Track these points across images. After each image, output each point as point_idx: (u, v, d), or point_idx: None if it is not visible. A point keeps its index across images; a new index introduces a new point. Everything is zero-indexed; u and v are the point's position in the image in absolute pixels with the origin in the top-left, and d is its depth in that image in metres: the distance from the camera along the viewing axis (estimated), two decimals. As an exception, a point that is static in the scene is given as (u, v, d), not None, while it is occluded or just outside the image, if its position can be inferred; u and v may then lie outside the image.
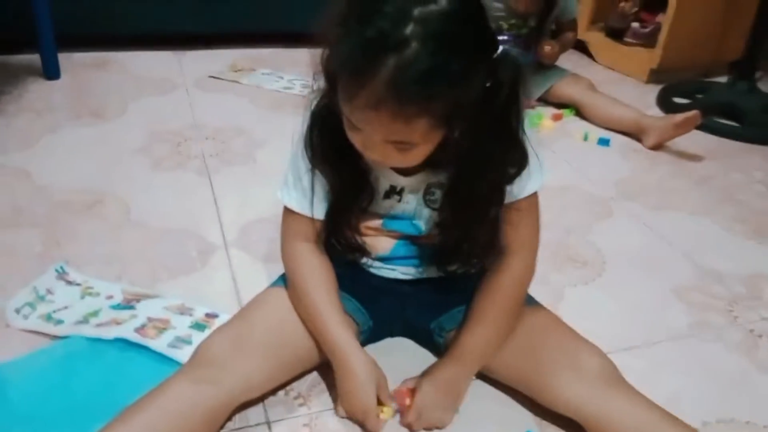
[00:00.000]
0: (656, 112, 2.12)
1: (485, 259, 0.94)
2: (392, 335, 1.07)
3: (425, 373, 0.96)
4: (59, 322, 1.03)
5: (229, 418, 0.88)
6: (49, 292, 1.10)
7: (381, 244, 0.96)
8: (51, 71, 2.01)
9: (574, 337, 0.93)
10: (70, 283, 1.13)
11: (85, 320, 1.03)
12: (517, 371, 0.94)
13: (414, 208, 0.92)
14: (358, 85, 0.69)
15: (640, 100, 2.20)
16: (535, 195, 0.89)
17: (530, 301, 0.99)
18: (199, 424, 0.82)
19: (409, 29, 0.66)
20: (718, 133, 2.02)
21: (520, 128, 0.80)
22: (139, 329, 1.00)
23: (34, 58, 2.06)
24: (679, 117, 1.82)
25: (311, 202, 0.90)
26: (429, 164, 0.84)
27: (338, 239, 0.95)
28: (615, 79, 2.40)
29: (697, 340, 1.14)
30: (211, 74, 2.14)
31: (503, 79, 0.74)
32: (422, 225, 0.93)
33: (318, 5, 0.72)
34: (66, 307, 1.07)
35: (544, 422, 0.93)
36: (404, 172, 0.89)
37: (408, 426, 0.91)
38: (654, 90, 2.28)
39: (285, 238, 0.96)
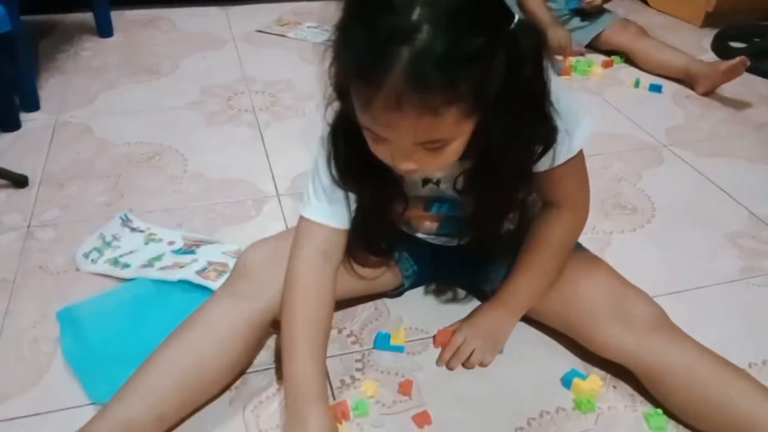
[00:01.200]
0: (711, 57, 2.05)
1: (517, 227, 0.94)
2: (438, 281, 1.10)
3: (468, 317, 0.99)
4: (126, 266, 1.09)
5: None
6: (114, 238, 1.17)
7: (427, 224, 0.97)
8: (104, 29, 2.08)
9: (622, 284, 0.93)
10: (134, 230, 1.19)
11: (149, 264, 1.09)
12: (565, 319, 0.95)
13: (453, 193, 0.90)
14: (374, 87, 0.62)
15: (695, 45, 2.14)
16: (580, 153, 0.85)
17: (578, 247, 1.00)
18: (240, 337, 0.85)
19: (416, 14, 0.60)
20: (777, 78, 1.95)
21: (547, 101, 0.74)
22: (201, 272, 1.05)
23: (87, 17, 2.12)
24: (724, 65, 1.77)
25: (340, 211, 0.85)
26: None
27: (377, 235, 0.94)
28: (669, 24, 2.33)
29: (747, 285, 1.13)
30: (258, 28, 2.16)
31: (525, 51, 0.68)
32: (465, 207, 0.91)
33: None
34: (131, 252, 1.13)
35: (590, 360, 0.95)
36: None
37: (445, 364, 0.94)
38: (709, 35, 2.20)
39: (295, 246, 0.86)
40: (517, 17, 0.68)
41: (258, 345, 0.91)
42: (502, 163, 0.77)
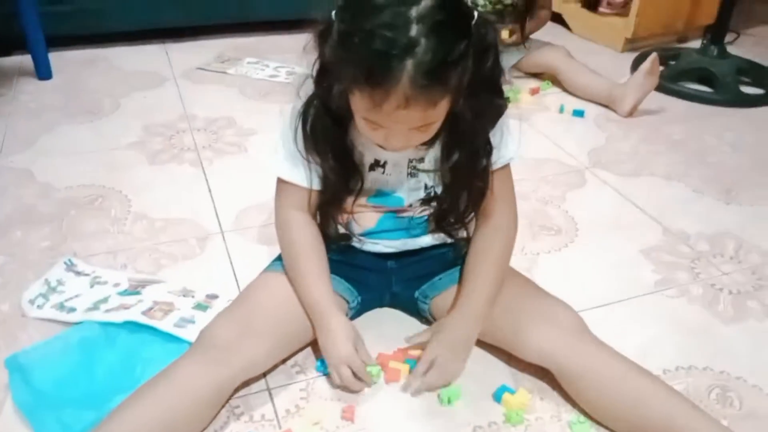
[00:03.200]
0: (631, 80, 2.19)
1: (471, 219, 1.03)
2: (381, 306, 1.16)
3: (435, 333, 1.02)
4: (71, 309, 1.12)
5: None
6: (59, 283, 1.19)
7: (367, 219, 1.04)
8: (43, 71, 2.08)
9: (545, 295, 1.04)
10: (78, 273, 1.22)
11: (95, 307, 1.12)
12: (496, 329, 1.02)
13: (396, 181, 1.00)
14: (384, 93, 0.75)
15: (616, 69, 2.27)
16: (509, 165, 0.99)
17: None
18: (207, 399, 0.91)
19: (414, 30, 0.73)
20: (691, 98, 2.10)
21: (500, 79, 0.88)
22: (147, 312, 1.09)
23: (25, 59, 2.13)
24: (643, 67, 1.91)
25: (303, 173, 0.97)
26: None
27: (328, 221, 1.03)
28: (591, 50, 2.47)
29: (662, 296, 1.23)
30: (199, 66, 2.21)
31: (487, 41, 0.81)
32: (404, 198, 1.01)
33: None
34: (77, 296, 1.15)
35: (519, 375, 1.03)
36: None
37: (416, 389, 0.98)
38: (629, 59, 2.35)
39: (278, 206, 1.03)
40: (476, 13, 0.80)
41: (221, 406, 0.95)
42: (471, 132, 0.91)
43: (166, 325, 1.07)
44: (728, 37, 2.29)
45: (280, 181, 1.01)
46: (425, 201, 1.02)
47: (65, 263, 1.24)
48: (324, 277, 1.01)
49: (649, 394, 0.91)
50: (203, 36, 2.43)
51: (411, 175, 0.99)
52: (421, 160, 0.98)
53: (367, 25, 0.75)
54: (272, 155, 0.99)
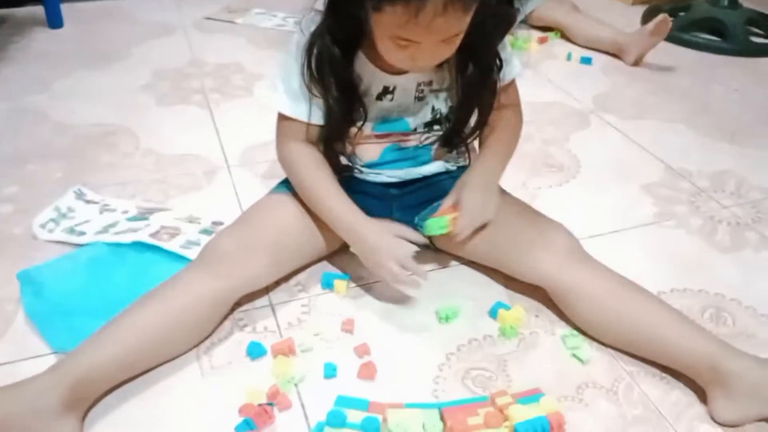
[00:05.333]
0: (640, 31, 2.17)
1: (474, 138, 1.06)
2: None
3: (461, 185, 1.01)
4: (81, 233, 1.15)
5: (236, 303, 1.00)
6: (69, 210, 1.23)
7: (370, 151, 1.06)
8: (55, 21, 2.11)
9: (543, 218, 1.06)
10: (88, 202, 1.25)
11: (104, 230, 1.15)
12: (495, 249, 1.05)
13: (403, 106, 1.01)
14: (422, 1, 0.77)
15: (627, 22, 2.25)
16: (514, 81, 1.03)
17: (508, 195, 1.11)
18: (208, 307, 0.94)
19: None
20: (701, 48, 2.09)
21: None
22: (154, 234, 1.12)
23: (37, 10, 2.15)
24: (650, 24, 1.89)
25: (306, 108, 0.97)
26: None
27: (331, 155, 1.05)
28: (602, 3, 2.45)
29: (659, 227, 1.24)
30: (207, 15, 2.22)
31: None
32: (410, 122, 1.03)
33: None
34: (86, 221, 1.19)
35: (515, 296, 1.05)
36: (397, 71, 0.97)
37: (461, 231, 0.99)
38: (640, 12, 2.33)
39: (280, 140, 1.03)
40: None
41: (223, 317, 0.98)
42: (485, 43, 0.93)
43: (172, 246, 1.10)
44: (742, -8, 2.27)
45: (282, 117, 1.01)
46: (430, 123, 1.03)
47: (74, 192, 1.27)
48: (340, 194, 1.01)
49: (637, 307, 0.93)
50: (212, -12, 2.44)
51: (418, 98, 1.01)
52: (430, 83, 1.00)
53: None
54: (273, 92, 1.00)
